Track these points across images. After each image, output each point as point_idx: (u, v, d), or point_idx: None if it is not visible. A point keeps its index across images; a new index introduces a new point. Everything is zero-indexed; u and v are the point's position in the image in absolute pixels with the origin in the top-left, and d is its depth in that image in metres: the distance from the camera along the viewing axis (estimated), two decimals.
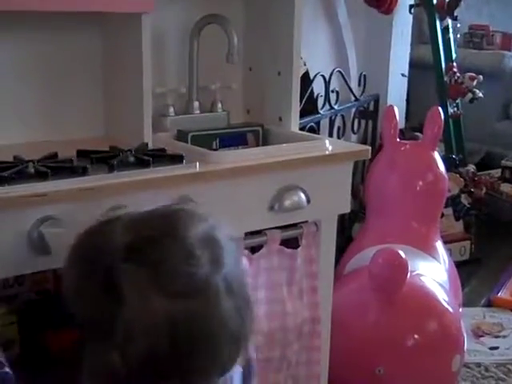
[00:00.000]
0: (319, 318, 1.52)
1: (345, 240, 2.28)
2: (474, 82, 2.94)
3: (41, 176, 1.11)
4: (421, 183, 2.00)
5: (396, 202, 1.98)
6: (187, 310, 0.86)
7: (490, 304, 2.44)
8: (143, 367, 0.86)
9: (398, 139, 2.03)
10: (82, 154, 1.25)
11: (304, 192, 1.38)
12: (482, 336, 2.20)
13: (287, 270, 1.45)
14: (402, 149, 2.05)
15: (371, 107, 2.84)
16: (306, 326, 1.51)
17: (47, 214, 1.09)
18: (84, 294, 0.89)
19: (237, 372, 1.04)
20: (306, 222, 1.45)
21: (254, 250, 1.40)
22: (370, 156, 1.47)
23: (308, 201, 1.38)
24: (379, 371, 1.64)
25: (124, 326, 0.85)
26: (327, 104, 2.39)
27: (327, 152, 1.41)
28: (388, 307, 1.65)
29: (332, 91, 2.42)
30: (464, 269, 2.44)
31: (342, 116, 2.54)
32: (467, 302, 2.31)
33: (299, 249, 1.45)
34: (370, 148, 1.47)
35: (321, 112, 2.35)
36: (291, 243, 1.46)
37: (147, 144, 1.32)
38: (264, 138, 1.54)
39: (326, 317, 1.54)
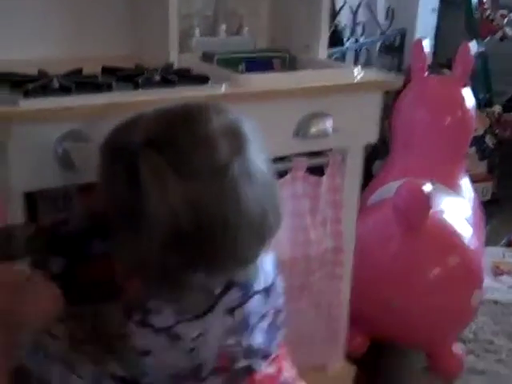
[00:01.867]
0: (342, 247, 1.51)
1: (365, 177, 2.25)
2: (505, 20, 2.86)
3: (66, 90, 1.10)
4: (449, 119, 1.96)
5: (423, 136, 1.94)
6: (205, 191, 0.87)
7: (509, 244, 2.43)
8: (168, 251, 0.88)
9: (426, 73, 1.98)
10: (107, 70, 1.22)
11: (331, 120, 1.35)
12: (501, 275, 2.20)
13: (311, 197, 1.43)
14: (431, 83, 2.00)
15: (397, 42, 2.78)
16: (329, 254, 1.51)
17: (72, 129, 1.07)
18: (111, 183, 0.92)
19: (269, 256, 1.05)
20: (332, 150, 1.43)
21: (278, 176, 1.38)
22: (399, 87, 1.43)
23: (334, 129, 1.35)
24: (395, 304, 1.64)
25: (146, 210, 0.87)
26: (353, 36, 2.33)
27: (355, 80, 1.38)
28: (410, 240, 1.63)
29: (358, 23, 2.37)
30: (485, 209, 2.41)
31: (367, 50, 2.48)
32: (487, 242, 2.29)
33: (324, 177, 1.43)
34: (400, 78, 1.43)
35: (346, 44, 2.29)
36: (316, 173, 1.44)
37: (172, 64, 1.29)
38: (291, 65, 1.50)
39: (349, 247, 1.53)
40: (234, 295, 0.98)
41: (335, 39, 2.25)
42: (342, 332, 1.62)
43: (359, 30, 2.36)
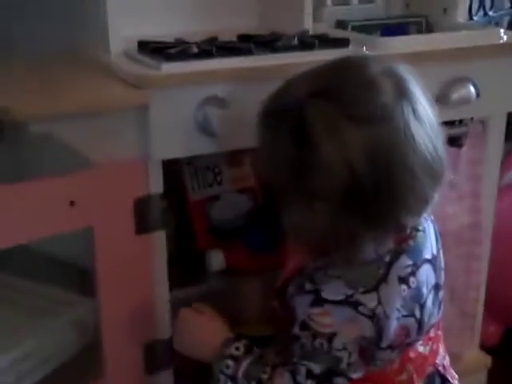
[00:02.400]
0: (481, 223, 1.43)
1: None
2: None
3: (206, 55, 1.08)
4: None
5: None
6: (378, 135, 0.85)
7: None
8: (348, 204, 0.85)
9: None
10: (243, 38, 1.20)
11: (474, 85, 1.27)
12: None
13: (449, 170, 1.36)
14: None
15: None
16: (466, 232, 1.42)
17: (213, 95, 1.05)
18: (275, 150, 0.90)
19: (431, 225, 1.03)
20: (472, 120, 1.35)
21: None
22: None
23: (477, 94, 1.27)
24: None
25: (322, 165, 0.85)
26: (481, 10, 2.21)
27: (502, 41, 1.29)
28: None
29: None
30: None
31: (496, 24, 2.35)
32: None
33: (463, 148, 1.36)
34: None
35: (474, 18, 2.18)
36: (453, 144, 1.37)
37: (308, 30, 1.25)
38: (428, 30, 1.43)
39: (489, 223, 1.45)
40: (404, 262, 0.94)
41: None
42: (477, 319, 1.53)
43: (488, 3, 2.24)
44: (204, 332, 1.05)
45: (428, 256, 0.98)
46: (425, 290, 0.97)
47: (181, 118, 1.05)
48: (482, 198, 1.41)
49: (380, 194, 0.86)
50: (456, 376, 1.09)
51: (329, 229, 0.88)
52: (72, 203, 1.00)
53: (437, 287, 1.01)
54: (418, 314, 0.96)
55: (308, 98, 0.86)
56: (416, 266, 0.95)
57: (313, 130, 0.85)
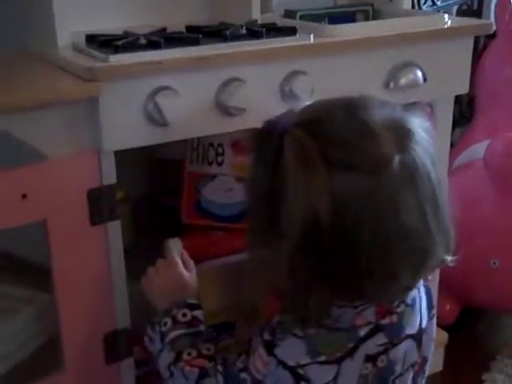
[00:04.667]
0: None
1: None
2: None
3: (154, 46, 1.08)
4: None
5: (510, 93, 1.86)
6: (357, 186, 0.75)
7: None
8: (306, 250, 0.78)
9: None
10: (191, 28, 1.21)
11: (420, 69, 1.30)
12: None
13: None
14: None
15: (475, 6, 2.68)
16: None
17: (162, 85, 1.06)
18: (256, 172, 0.85)
19: (425, 292, 0.95)
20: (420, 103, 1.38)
21: None
22: (491, 31, 1.37)
23: (424, 79, 1.30)
24: (494, 263, 1.58)
25: (288, 198, 0.78)
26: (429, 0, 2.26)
27: (446, 26, 1.32)
28: (505, 198, 1.57)
29: None
30: None
31: (444, 13, 2.39)
32: None
33: None
34: (491, 22, 1.36)
35: (423, 8, 2.22)
36: None
37: (256, 20, 1.27)
38: (374, 18, 1.45)
39: None
40: (378, 341, 0.86)
41: (412, 3, 2.18)
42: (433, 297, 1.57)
43: None
44: (174, 283, 1.03)
45: (412, 331, 0.90)
46: (398, 368, 0.89)
47: (131, 109, 1.06)
48: None
49: (340, 252, 0.77)
50: None
51: (286, 272, 0.80)
52: (24, 196, 1.00)
53: (423, 362, 0.94)
54: None
55: (293, 125, 0.79)
56: (392, 344, 0.87)
57: (286, 159, 0.78)
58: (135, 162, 1.35)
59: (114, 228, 1.10)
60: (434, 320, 0.97)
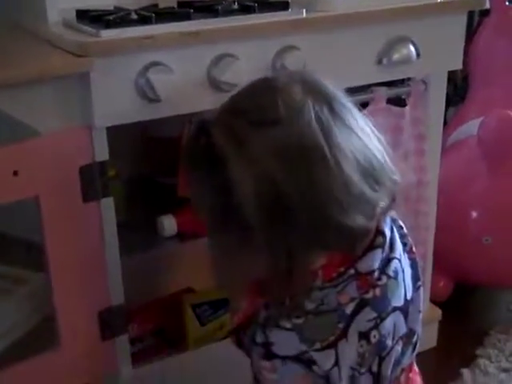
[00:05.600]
0: (427, 181, 1.46)
1: None
2: None
3: (145, 21, 1.08)
4: None
5: (505, 70, 1.85)
6: (288, 136, 0.78)
7: None
8: (279, 219, 0.79)
9: (507, 3, 1.88)
10: (183, 4, 1.20)
11: (414, 44, 1.29)
12: None
13: (393, 130, 1.39)
14: None
15: None
16: (413, 190, 1.46)
17: (154, 60, 1.06)
18: (196, 188, 0.86)
19: (410, 265, 0.95)
20: (414, 79, 1.38)
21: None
22: (485, 6, 1.36)
23: (418, 54, 1.30)
24: (486, 240, 1.59)
25: (239, 183, 0.78)
26: None
27: (439, 0, 1.31)
28: (498, 175, 1.57)
29: None
30: None
31: None
32: None
33: (406, 108, 1.38)
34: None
35: None
36: (397, 103, 1.39)
37: None
38: None
39: (434, 181, 1.48)
40: (367, 315, 0.86)
41: None
42: (426, 274, 1.57)
43: None
44: None
45: (398, 304, 0.90)
46: (389, 342, 0.90)
47: (123, 85, 1.05)
48: (426, 156, 1.44)
49: (307, 198, 0.78)
50: None
51: (269, 259, 0.80)
52: (16, 173, 1.00)
53: (410, 334, 0.94)
54: (375, 368, 0.89)
55: (214, 118, 0.83)
56: (380, 318, 0.87)
57: (220, 147, 0.79)
58: (128, 140, 1.35)
59: (107, 205, 1.10)
60: (421, 292, 0.97)
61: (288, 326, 0.84)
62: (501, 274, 1.67)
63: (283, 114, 0.79)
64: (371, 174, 0.82)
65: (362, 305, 0.86)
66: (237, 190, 0.78)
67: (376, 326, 0.87)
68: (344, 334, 0.85)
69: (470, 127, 1.74)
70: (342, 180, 0.79)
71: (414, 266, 0.96)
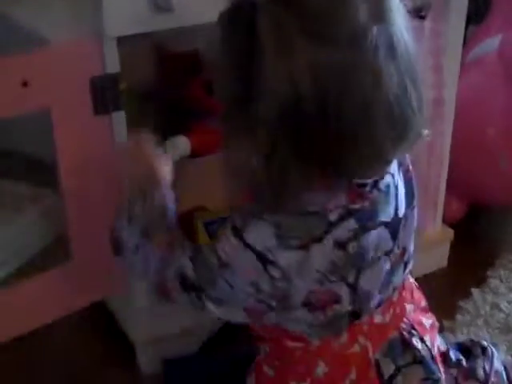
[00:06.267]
0: (443, 99, 1.43)
1: None
2: None
3: None
4: None
5: None
6: (336, 59, 0.73)
7: None
8: (287, 129, 0.76)
9: None
10: None
11: None
12: None
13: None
14: None
15: None
16: (429, 107, 1.42)
17: None
18: (224, 51, 0.80)
19: (404, 181, 0.93)
20: None
21: None
22: None
23: None
24: (503, 159, 1.56)
25: (265, 79, 0.75)
26: None
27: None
28: None
29: None
30: None
31: None
32: None
33: (426, 20, 1.33)
34: None
35: None
36: (416, 15, 1.34)
37: None
38: None
39: (451, 99, 1.44)
40: (349, 226, 0.85)
41: None
42: (440, 194, 1.56)
43: None
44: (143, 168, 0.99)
45: (385, 219, 0.88)
46: (369, 256, 0.88)
47: None
48: (444, 72, 1.40)
49: (323, 128, 0.75)
50: (428, 325, 1.01)
51: (264, 159, 0.78)
52: (25, 84, 0.97)
53: (401, 252, 0.93)
54: (351, 279, 0.88)
55: (265, 1, 0.75)
56: (363, 229, 0.86)
57: (261, 39, 0.74)
58: (140, 55, 1.31)
59: (119, 118, 1.08)
60: (415, 212, 0.96)
61: (269, 218, 0.83)
62: None
63: (342, 36, 0.74)
64: (394, 120, 0.78)
65: (346, 214, 0.85)
66: (262, 83, 0.75)
67: (356, 238, 0.86)
68: (320, 239, 0.84)
69: (491, 44, 1.69)
70: (367, 127, 0.76)
71: (409, 184, 0.95)
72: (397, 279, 0.96)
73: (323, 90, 0.74)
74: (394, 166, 0.90)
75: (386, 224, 0.89)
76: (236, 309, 0.91)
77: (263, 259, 0.84)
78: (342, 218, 0.85)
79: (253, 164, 0.79)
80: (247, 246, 0.84)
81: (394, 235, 0.91)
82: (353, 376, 0.94)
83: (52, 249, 1.28)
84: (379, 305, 0.95)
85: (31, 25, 0.97)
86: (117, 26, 1.02)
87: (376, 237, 0.88)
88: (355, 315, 0.93)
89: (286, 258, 0.84)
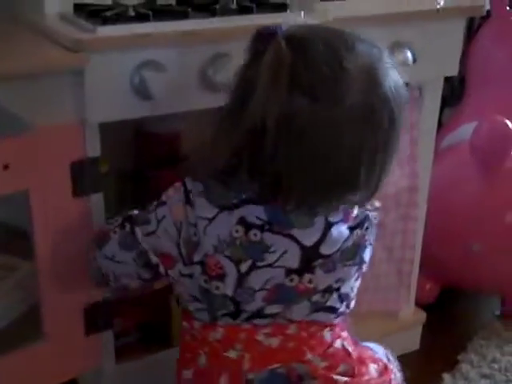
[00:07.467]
0: (417, 187, 1.47)
1: None
2: None
3: (142, 18, 1.07)
4: None
5: (503, 76, 1.85)
6: (308, 111, 0.84)
7: None
8: (246, 143, 0.88)
9: (507, 8, 1.88)
10: (181, 1, 1.19)
11: (410, 50, 1.29)
12: None
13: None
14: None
15: None
16: (404, 194, 1.46)
17: (149, 58, 1.05)
18: (241, 67, 0.93)
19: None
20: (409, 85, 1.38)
21: None
22: (483, 13, 1.36)
23: (414, 60, 1.30)
24: (475, 247, 1.59)
25: (251, 95, 0.86)
26: None
27: (438, 6, 1.31)
28: (488, 182, 1.58)
29: None
30: None
31: None
32: None
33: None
34: (483, 4, 1.36)
35: None
36: None
37: None
38: None
39: (424, 186, 1.49)
40: (259, 214, 0.92)
41: None
42: (413, 277, 1.58)
43: None
44: None
45: (300, 238, 0.92)
46: (269, 256, 0.92)
47: (117, 82, 1.05)
48: (418, 162, 1.44)
49: (273, 158, 0.86)
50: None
51: (231, 155, 0.90)
52: (6, 167, 0.99)
53: (309, 285, 0.95)
54: (243, 268, 0.92)
55: (281, 34, 0.86)
56: (270, 226, 0.91)
57: (263, 61, 0.85)
58: (122, 135, 1.35)
59: (97, 200, 1.10)
60: (352, 271, 0.98)
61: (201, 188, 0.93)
62: (487, 280, 1.69)
63: (322, 96, 0.84)
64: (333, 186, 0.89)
65: (259, 202, 0.92)
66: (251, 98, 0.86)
67: (261, 229, 0.91)
68: (230, 208, 0.91)
69: (464, 132, 1.74)
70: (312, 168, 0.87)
71: (358, 246, 0.97)
72: (296, 311, 0.96)
73: (284, 127, 0.84)
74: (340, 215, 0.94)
75: (298, 242, 0.92)
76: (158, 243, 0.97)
77: (190, 203, 0.93)
78: (254, 202, 0.91)
79: (222, 154, 0.90)
80: (185, 190, 0.94)
81: (305, 262, 0.93)
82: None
83: (24, 320, 1.27)
84: (258, 313, 0.95)
85: (15, 109, 1.00)
86: (99, 112, 1.05)
87: (282, 243, 0.92)
88: (234, 314, 0.95)
89: (201, 205, 0.92)
